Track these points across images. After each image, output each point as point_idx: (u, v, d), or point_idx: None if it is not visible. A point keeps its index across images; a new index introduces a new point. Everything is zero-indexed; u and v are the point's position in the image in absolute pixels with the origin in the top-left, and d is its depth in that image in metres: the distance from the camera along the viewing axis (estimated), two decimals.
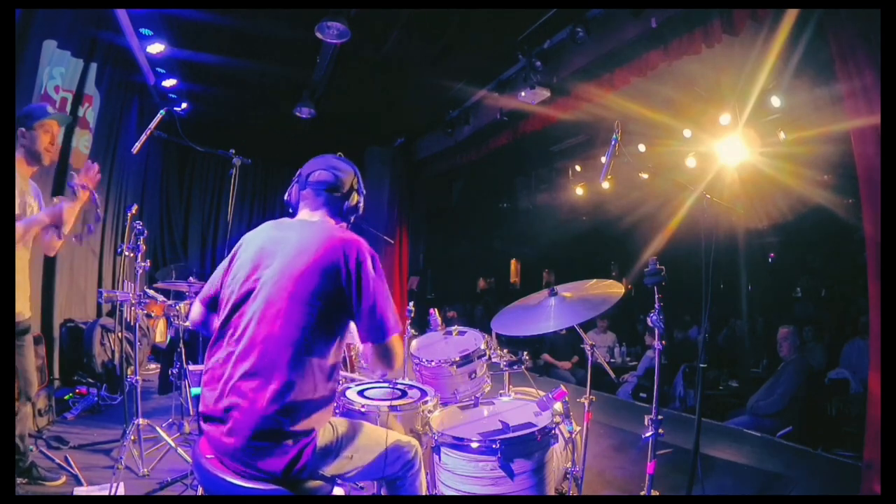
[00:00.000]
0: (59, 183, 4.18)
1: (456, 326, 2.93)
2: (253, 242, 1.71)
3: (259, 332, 1.53)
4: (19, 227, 2.41)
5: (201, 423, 1.59)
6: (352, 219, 1.84)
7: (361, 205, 1.86)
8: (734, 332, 6.90)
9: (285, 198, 1.88)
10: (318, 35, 4.06)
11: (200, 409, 1.60)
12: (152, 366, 5.54)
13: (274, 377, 1.48)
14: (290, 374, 1.49)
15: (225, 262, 1.76)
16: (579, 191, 8.26)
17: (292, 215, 1.84)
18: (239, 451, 1.47)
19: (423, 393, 2.39)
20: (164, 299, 4.11)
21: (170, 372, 3.78)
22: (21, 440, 2.65)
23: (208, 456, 1.53)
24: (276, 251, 1.63)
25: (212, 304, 1.75)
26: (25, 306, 2.65)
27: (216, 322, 1.66)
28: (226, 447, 1.49)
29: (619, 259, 9.45)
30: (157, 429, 3.20)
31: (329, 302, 1.56)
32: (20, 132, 2.55)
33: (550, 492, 2.15)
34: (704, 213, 2.41)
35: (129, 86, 5.51)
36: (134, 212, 3.37)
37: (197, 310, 1.80)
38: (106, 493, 2.67)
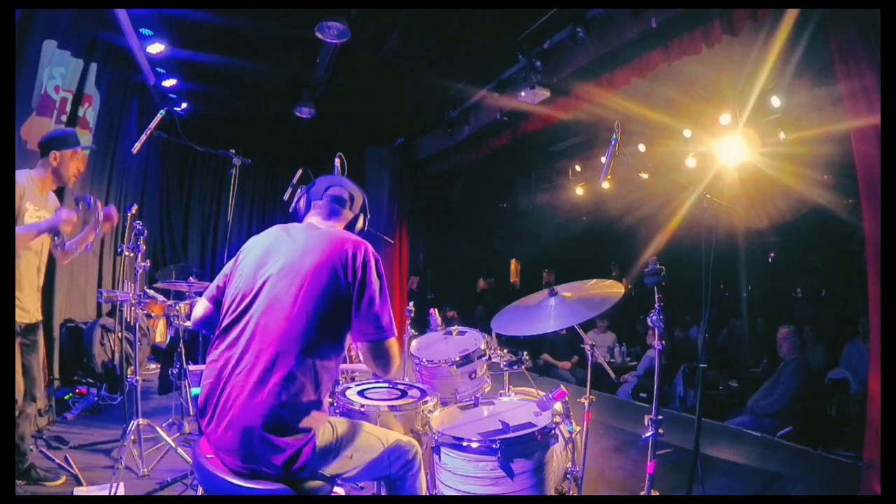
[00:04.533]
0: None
1: (456, 326, 2.92)
2: (261, 243, 1.75)
3: (264, 329, 1.55)
4: (19, 232, 2.42)
5: (198, 417, 1.59)
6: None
7: (366, 228, 1.97)
8: (734, 332, 6.90)
9: (293, 206, 1.96)
10: (318, 35, 4.06)
11: (199, 402, 1.60)
12: (152, 366, 5.54)
13: (276, 372, 1.49)
14: (292, 370, 1.50)
15: (231, 262, 1.79)
16: (579, 191, 8.25)
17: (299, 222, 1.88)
18: (238, 445, 1.47)
19: (423, 393, 2.39)
20: (164, 299, 4.10)
21: (170, 372, 3.79)
22: (22, 440, 2.65)
23: (208, 456, 1.53)
24: (284, 250, 1.67)
25: (218, 303, 1.76)
26: (36, 308, 2.69)
27: (221, 318, 1.67)
28: (224, 441, 1.49)
29: (619, 259, 9.44)
30: (157, 429, 3.20)
31: (334, 300, 1.58)
32: (52, 155, 2.60)
33: (550, 492, 2.15)
34: (704, 213, 2.41)
35: (129, 86, 5.50)
36: (134, 212, 3.37)
37: (203, 306, 1.80)
38: (106, 493, 2.67)
